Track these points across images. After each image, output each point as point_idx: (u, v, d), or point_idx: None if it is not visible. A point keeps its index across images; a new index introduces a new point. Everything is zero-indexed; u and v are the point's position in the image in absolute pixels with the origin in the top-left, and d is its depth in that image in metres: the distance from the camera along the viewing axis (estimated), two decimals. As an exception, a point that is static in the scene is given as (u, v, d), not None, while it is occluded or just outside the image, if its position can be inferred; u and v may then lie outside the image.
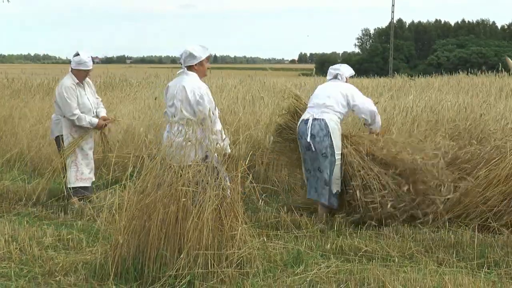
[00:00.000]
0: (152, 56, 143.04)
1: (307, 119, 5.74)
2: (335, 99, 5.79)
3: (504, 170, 5.45)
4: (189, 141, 4.50)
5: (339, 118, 5.77)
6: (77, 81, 6.38)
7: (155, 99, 10.71)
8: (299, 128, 5.83)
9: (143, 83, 16.16)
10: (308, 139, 5.65)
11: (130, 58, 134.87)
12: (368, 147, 5.66)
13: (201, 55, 5.26)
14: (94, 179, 6.67)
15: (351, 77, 6.22)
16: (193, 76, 5.25)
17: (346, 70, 6.16)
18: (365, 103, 5.84)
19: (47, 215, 6.08)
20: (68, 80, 6.38)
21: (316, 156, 5.67)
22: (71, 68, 6.44)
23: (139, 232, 4.23)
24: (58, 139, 6.46)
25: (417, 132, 6.27)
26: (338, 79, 6.06)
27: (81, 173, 6.39)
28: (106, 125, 6.60)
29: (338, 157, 5.66)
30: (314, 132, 5.65)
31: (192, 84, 5.17)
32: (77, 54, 6.39)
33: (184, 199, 4.18)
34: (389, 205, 5.39)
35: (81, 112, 6.34)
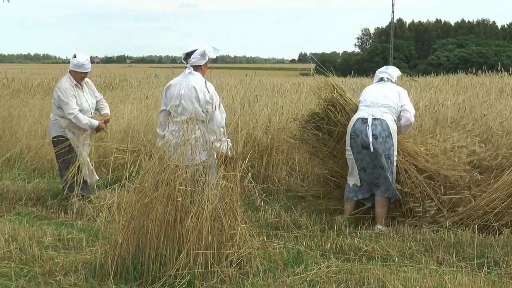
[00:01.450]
0: (152, 56, 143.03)
1: (366, 118, 5.63)
2: (392, 99, 5.77)
3: (510, 175, 5.48)
4: (196, 140, 4.50)
5: (395, 119, 5.75)
6: (75, 82, 6.38)
7: (146, 98, 10.72)
8: (354, 126, 5.66)
9: (143, 83, 16.17)
10: (370, 139, 5.50)
11: (130, 58, 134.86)
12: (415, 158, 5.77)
13: (212, 56, 5.31)
14: (98, 178, 6.63)
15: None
16: (199, 76, 5.26)
17: (394, 71, 6.15)
18: (411, 109, 5.89)
19: (47, 215, 6.08)
20: (66, 81, 6.38)
21: (376, 155, 5.55)
22: (69, 69, 6.44)
23: (138, 232, 4.24)
24: (55, 140, 6.42)
25: (447, 136, 6.29)
26: (385, 80, 6.04)
27: (88, 166, 6.37)
28: (104, 128, 6.57)
29: (396, 158, 5.66)
30: (376, 133, 5.54)
31: (200, 84, 5.19)
32: (75, 56, 6.40)
33: (180, 199, 4.18)
34: (432, 212, 5.58)
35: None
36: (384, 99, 5.76)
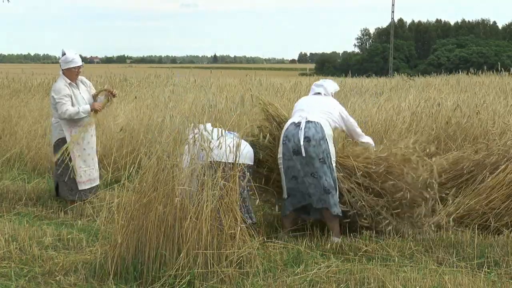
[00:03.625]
0: (152, 56, 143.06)
1: (299, 122, 5.22)
2: (328, 109, 5.44)
3: (508, 176, 5.48)
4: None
5: (332, 126, 5.34)
6: (69, 81, 6.29)
7: (135, 97, 10.74)
8: (286, 131, 5.23)
9: (143, 83, 16.17)
10: (302, 142, 5.09)
11: (130, 58, 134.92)
12: (363, 165, 5.32)
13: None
14: (98, 183, 6.51)
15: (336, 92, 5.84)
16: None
17: (330, 85, 5.76)
18: (359, 131, 5.59)
19: (47, 215, 6.07)
20: (60, 82, 6.28)
21: (309, 161, 5.11)
22: (62, 70, 6.34)
23: (138, 231, 4.24)
24: (59, 144, 6.30)
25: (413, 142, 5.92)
26: (321, 94, 5.67)
27: (80, 176, 6.27)
28: (100, 106, 6.40)
29: (334, 164, 5.22)
30: (309, 135, 5.10)
31: None
32: (64, 54, 6.31)
33: (178, 198, 4.18)
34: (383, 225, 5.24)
35: None
36: (320, 106, 5.44)
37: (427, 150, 5.63)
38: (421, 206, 5.28)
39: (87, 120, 6.31)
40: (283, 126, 5.41)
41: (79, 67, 6.36)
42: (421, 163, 5.32)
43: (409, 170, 5.24)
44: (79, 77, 6.45)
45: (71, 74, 6.32)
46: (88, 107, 6.30)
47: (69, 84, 6.29)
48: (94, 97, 6.50)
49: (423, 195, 5.28)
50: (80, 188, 6.28)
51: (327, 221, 5.31)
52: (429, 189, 5.30)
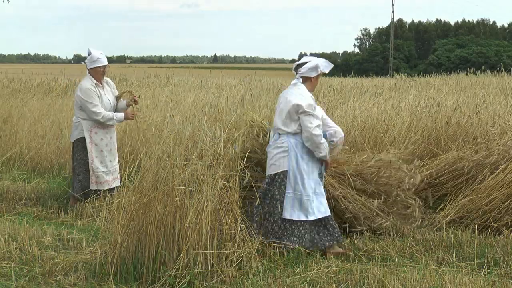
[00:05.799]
0: (152, 56, 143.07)
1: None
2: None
3: (508, 175, 5.48)
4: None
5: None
6: (95, 81, 6.30)
7: (139, 96, 10.71)
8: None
9: (143, 83, 16.18)
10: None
11: (130, 58, 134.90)
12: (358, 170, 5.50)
13: (325, 70, 5.11)
14: (116, 185, 6.39)
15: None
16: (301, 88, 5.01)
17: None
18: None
19: (47, 215, 6.07)
20: (87, 82, 6.29)
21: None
22: (88, 69, 6.36)
23: (138, 231, 4.24)
24: (78, 143, 6.31)
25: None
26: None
27: (97, 176, 6.25)
28: (133, 115, 6.50)
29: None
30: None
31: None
32: (90, 54, 6.34)
33: (177, 198, 4.18)
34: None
35: None
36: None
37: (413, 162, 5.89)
38: (413, 204, 5.51)
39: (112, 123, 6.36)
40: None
41: (104, 66, 6.38)
42: (403, 167, 5.62)
43: (393, 171, 5.53)
44: (105, 78, 6.48)
45: (97, 73, 6.33)
46: (122, 116, 6.36)
47: (95, 84, 6.30)
48: (117, 98, 6.54)
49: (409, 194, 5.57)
50: (91, 187, 6.26)
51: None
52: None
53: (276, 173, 4.85)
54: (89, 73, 6.34)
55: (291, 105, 4.83)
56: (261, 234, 4.78)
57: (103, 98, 6.31)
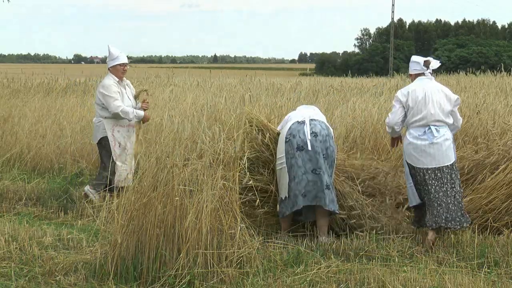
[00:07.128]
0: (152, 56, 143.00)
1: (302, 120, 5.29)
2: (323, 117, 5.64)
3: (508, 175, 5.48)
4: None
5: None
6: (117, 79, 6.36)
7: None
8: (290, 129, 5.24)
9: (143, 83, 16.16)
10: (309, 136, 5.13)
11: (130, 58, 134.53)
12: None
13: (435, 66, 5.48)
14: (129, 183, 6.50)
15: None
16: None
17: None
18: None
19: (47, 215, 6.08)
20: (109, 79, 6.35)
21: (313, 156, 5.13)
22: (108, 68, 6.42)
23: (138, 231, 4.24)
24: (101, 142, 6.37)
25: None
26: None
27: (119, 174, 6.26)
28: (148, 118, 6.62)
29: (335, 162, 5.37)
30: (316, 131, 5.18)
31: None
32: (109, 52, 6.40)
33: (177, 198, 4.18)
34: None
35: None
36: (318, 113, 5.59)
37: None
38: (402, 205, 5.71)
39: (133, 122, 6.41)
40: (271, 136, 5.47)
41: (124, 64, 6.44)
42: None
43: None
44: (126, 80, 6.54)
45: (117, 71, 6.39)
46: (142, 113, 6.43)
47: (117, 82, 6.35)
48: (135, 98, 6.62)
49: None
50: (115, 184, 6.23)
51: (319, 218, 5.30)
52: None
53: (453, 162, 5.20)
54: (110, 71, 6.41)
55: (455, 99, 5.29)
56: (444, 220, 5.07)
57: (124, 97, 6.38)
